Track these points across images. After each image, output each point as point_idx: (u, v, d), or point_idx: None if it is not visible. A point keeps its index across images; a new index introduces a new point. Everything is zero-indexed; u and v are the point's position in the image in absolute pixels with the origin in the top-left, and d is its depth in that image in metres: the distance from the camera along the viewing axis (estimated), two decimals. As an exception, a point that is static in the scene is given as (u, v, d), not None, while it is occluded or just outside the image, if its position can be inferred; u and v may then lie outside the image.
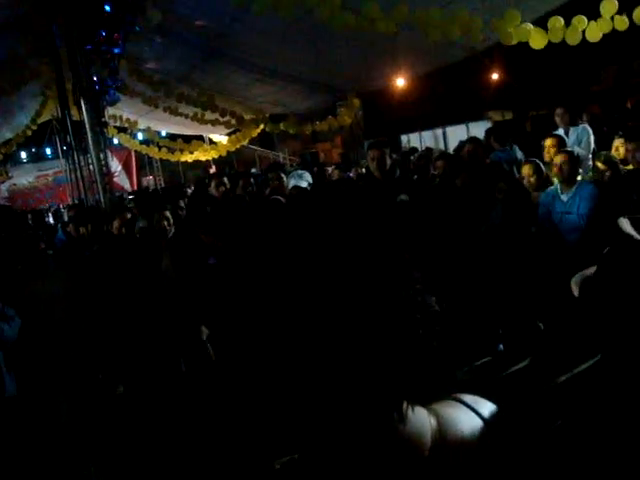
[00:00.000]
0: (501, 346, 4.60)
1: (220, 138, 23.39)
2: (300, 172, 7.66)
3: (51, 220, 17.30)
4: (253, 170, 22.89)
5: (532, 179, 6.57)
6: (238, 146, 22.89)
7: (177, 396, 5.49)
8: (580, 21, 8.88)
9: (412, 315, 1.06)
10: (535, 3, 10.00)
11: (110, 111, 16.70)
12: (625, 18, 8.58)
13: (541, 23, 9.25)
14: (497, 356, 4.23)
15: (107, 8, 9.18)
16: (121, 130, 22.51)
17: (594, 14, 8.86)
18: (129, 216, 6.55)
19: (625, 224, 1.53)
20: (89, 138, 9.55)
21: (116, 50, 10.92)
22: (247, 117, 18.52)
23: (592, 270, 1.65)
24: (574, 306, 1.64)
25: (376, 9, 8.90)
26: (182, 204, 7.39)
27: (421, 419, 1.11)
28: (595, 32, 8.81)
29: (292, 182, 7.48)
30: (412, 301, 1.07)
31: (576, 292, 1.64)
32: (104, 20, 9.58)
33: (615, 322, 1.51)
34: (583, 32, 8.88)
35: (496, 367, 3.73)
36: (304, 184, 7.34)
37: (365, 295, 1.03)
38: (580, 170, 6.31)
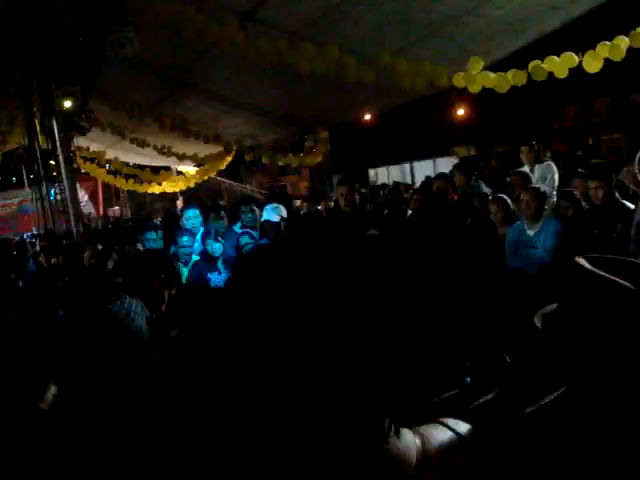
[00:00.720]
0: (468, 379, 4.66)
1: (188, 169, 23.36)
2: (274, 205, 7.68)
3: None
4: (221, 202, 22.83)
5: (499, 214, 6.72)
6: (206, 178, 22.87)
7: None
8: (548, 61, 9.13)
9: (397, 342, 1.11)
10: (494, 47, 10.27)
11: (78, 141, 16.63)
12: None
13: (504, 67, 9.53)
14: (464, 388, 4.29)
15: (80, 39, 9.21)
16: (88, 160, 22.38)
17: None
18: (100, 247, 6.53)
19: (583, 262, 1.62)
20: (61, 167, 9.51)
21: (86, 81, 10.93)
22: (215, 150, 18.58)
23: (554, 305, 1.73)
24: (537, 340, 1.71)
25: (353, 62, 9.15)
26: (159, 235, 7.39)
27: (407, 439, 1.17)
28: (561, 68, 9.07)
29: (265, 215, 7.49)
30: (393, 330, 1.13)
31: (539, 326, 1.71)
32: (76, 50, 9.60)
33: (576, 355, 1.58)
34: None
35: (463, 399, 3.78)
36: (277, 218, 7.36)
37: (345, 325, 1.08)
38: (545, 206, 6.46)
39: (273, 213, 7.40)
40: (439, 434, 1.25)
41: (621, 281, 1.52)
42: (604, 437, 1.51)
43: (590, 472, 1.48)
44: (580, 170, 9.31)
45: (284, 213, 7.54)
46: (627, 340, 1.51)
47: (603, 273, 1.55)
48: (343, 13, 9.15)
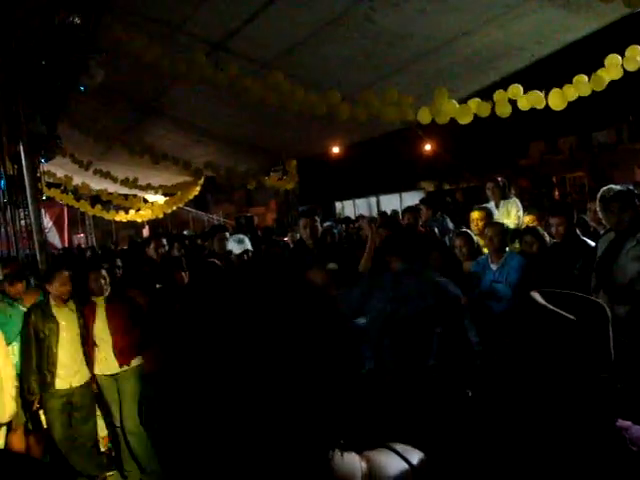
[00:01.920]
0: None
1: (155, 198, 23.28)
2: (240, 237, 7.71)
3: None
4: (185, 232, 22.80)
5: (464, 249, 6.82)
6: (174, 208, 22.83)
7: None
8: (513, 91, 9.31)
9: (344, 369, 1.13)
10: (460, 85, 10.46)
11: (44, 167, 16.50)
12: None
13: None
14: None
15: (48, 64, 9.18)
16: (53, 185, 22.20)
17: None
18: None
19: (537, 296, 1.70)
20: (27, 193, 9.42)
21: (54, 106, 10.88)
22: (182, 179, 18.59)
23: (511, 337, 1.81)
24: (497, 371, 1.78)
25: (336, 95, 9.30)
26: (119, 263, 7.36)
27: (352, 463, 1.19)
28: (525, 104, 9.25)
29: (230, 246, 7.51)
30: (345, 357, 1.15)
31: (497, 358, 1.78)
32: (44, 76, 9.57)
33: (534, 384, 1.64)
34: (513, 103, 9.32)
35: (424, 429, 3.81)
36: (239, 250, 7.38)
37: (297, 352, 1.10)
38: (508, 242, 6.56)
39: (236, 245, 7.41)
40: (386, 459, 1.28)
41: (564, 313, 1.60)
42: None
43: None
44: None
45: (248, 245, 7.56)
46: (571, 368, 1.60)
47: (550, 306, 1.63)
48: (312, 47, 9.27)
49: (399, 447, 1.33)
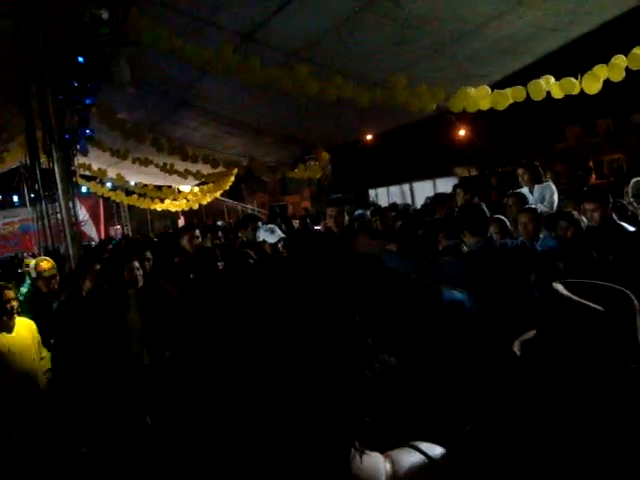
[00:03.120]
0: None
1: (188, 188, 23.43)
2: (271, 226, 7.69)
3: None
4: (219, 222, 22.90)
5: (497, 236, 6.72)
6: (210, 199, 22.93)
7: (142, 452, 5.42)
8: (545, 80, 9.16)
9: (366, 367, 1.10)
10: (493, 69, 10.32)
11: (79, 160, 16.69)
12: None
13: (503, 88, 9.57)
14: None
15: (80, 59, 9.25)
16: (89, 179, 22.46)
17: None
18: (97, 267, 6.50)
19: (559, 287, 1.63)
20: (59, 187, 9.51)
21: (88, 100, 10.98)
22: (217, 169, 18.64)
23: (533, 332, 1.74)
24: (516, 366, 1.72)
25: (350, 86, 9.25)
26: (149, 255, 7.37)
27: (376, 464, 1.16)
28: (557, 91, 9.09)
29: (262, 236, 7.50)
30: (366, 354, 1.12)
31: (518, 352, 1.72)
32: (77, 70, 9.65)
33: (554, 379, 1.58)
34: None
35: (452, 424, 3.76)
36: (274, 239, 7.37)
37: (320, 345, 1.08)
38: (542, 227, 6.45)
39: (271, 234, 7.40)
40: (410, 458, 1.25)
41: (590, 304, 1.54)
42: (587, 459, 1.51)
43: None
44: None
45: (281, 234, 7.55)
46: (598, 361, 1.53)
47: (576, 297, 1.56)
48: (343, 35, 9.19)
49: (424, 446, 1.30)
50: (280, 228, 8.95)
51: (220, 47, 8.57)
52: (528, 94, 9.32)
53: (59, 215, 10.20)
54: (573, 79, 8.97)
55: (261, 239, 7.48)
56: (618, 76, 8.63)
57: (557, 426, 1.59)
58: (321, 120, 13.68)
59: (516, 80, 9.78)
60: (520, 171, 8.89)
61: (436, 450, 1.29)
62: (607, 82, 8.92)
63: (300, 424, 1.05)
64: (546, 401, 1.62)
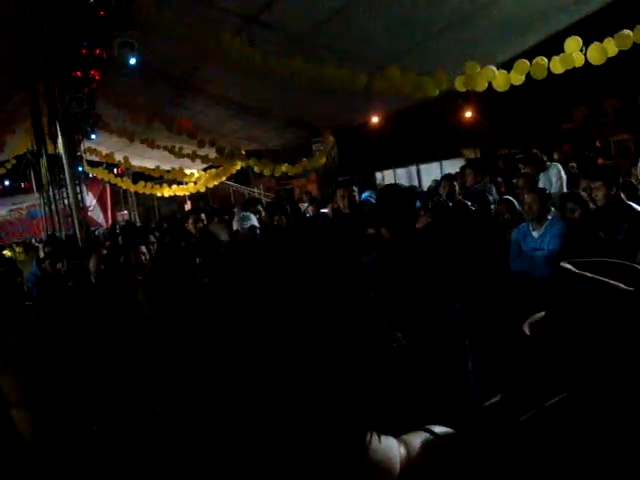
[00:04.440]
0: (476, 387, 4.63)
1: (195, 172, 23.38)
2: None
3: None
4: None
5: (506, 216, 6.72)
6: (217, 182, 22.88)
7: (151, 436, 5.45)
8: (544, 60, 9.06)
9: (379, 348, 1.10)
10: (499, 49, 10.25)
11: (85, 145, 16.69)
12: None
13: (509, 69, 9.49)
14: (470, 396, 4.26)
15: (84, 43, 9.25)
16: (96, 164, 22.43)
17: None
18: (104, 252, 6.52)
19: (569, 266, 1.61)
20: (66, 172, 9.52)
21: (93, 85, 10.97)
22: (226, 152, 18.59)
23: (542, 313, 1.72)
24: (527, 347, 1.70)
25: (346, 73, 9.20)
26: (152, 238, 7.38)
27: (391, 448, 1.16)
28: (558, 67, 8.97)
29: (235, 225, 7.46)
30: (379, 334, 1.12)
31: (528, 333, 1.70)
32: (82, 55, 9.64)
33: (570, 359, 1.57)
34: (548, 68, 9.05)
35: (468, 404, 3.77)
36: (247, 225, 7.34)
37: (332, 327, 1.08)
38: (552, 209, 6.43)
39: (242, 222, 7.35)
40: (424, 441, 1.25)
41: (612, 281, 1.51)
42: (605, 440, 1.50)
43: (591, 474, 1.48)
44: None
45: (254, 222, 7.49)
46: (622, 340, 1.50)
47: (592, 275, 1.54)
48: (347, 17, 9.14)
49: (438, 429, 1.30)
50: (286, 212, 8.93)
51: (220, 34, 8.53)
52: (529, 75, 9.21)
53: (66, 201, 10.21)
54: (578, 37, 8.79)
55: (234, 228, 7.44)
56: (626, 44, 8.49)
57: (577, 403, 1.58)
58: (327, 103, 13.64)
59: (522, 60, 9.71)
60: (521, 166, 8.90)
61: (450, 433, 1.29)
62: (613, 61, 8.82)
63: (317, 410, 1.05)
64: (565, 381, 1.61)
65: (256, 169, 18.58)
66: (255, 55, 8.67)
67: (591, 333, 1.52)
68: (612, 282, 1.50)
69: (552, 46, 9.31)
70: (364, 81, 9.37)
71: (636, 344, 1.49)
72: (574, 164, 12.68)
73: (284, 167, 18.39)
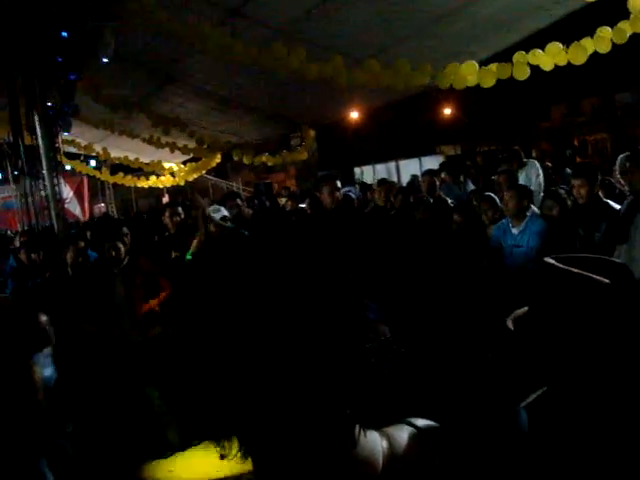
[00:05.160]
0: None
1: (173, 165, 23.27)
2: (215, 207, 7.63)
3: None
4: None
5: (488, 213, 6.74)
6: (196, 176, 22.78)
7: (130, 430, 5.42)
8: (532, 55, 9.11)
9: (362, 342, 1.10)
10: (479, 47, 10.28)
11: (63, 136, 16.53)
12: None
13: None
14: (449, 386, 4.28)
15: (64, 34, 9.13)
16: (73, 157, 22.24)
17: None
18: (82, 244, 6.47)
19: (552, 261, 1.62)
20: (43, 163, 9.43)
21: (72, 76, 10.85)
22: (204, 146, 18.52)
23: (526, 308, 1.73)
24: (511, 341, 1.71)
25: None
26: (126, 230, 7.34)
27: (373, 442, 1.16)
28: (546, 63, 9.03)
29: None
30: (362, 328, 1.11)
31: (511, 328, 1.70)
32: (60, 46, 9.53)
33: (553, 354, 1.57)
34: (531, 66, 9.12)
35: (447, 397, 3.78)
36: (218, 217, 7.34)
37: (314, 321, 1.07)
38: (531, 205, 6.47)
39: (214, 214, 7.36)
40: (406, 435, 1.24)
41: (595, 276, 1.52)
42: (587, 433, 1.51)
43: (574, 467, 1.49)
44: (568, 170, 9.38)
45: (225, 212, 7.50)
46: (606, 334, 1.51)
47: (578, 270, 1.55)
48: (329, 11, 9.13)
49: (420, 422, 1.29)
50: (265, 206, 8.96)
51: (203, 25, 8.48)
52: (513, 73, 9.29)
53: (43, 192, 10.12)
54: (560, 45, 8.87)
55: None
56: (604, 47, 8.58)
57: (560, 397, 1.59)
58: (307, 98, 13.62)
59: (502, 59, 9.74)
60: (504, 165, 8.94)
61: (431, 426, 1.29)
62: (592, 61, 8.89)
63: (298, 403, 1.04)
64: (548, 375, 1.62)
65: (235, 157, 18.51)
66: (236, 45, 8.62)
67: (575, 327, 1.53)
68: (597, 277, 1.52)
69: (533, 45, 9.36)
70: (345, 77, 9.36)
71: (616, 336, 1.51)
72: (549, 163, 12.77)
73: (264, 157, 18.38)
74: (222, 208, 7.62)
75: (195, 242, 6.52)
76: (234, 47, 8.62)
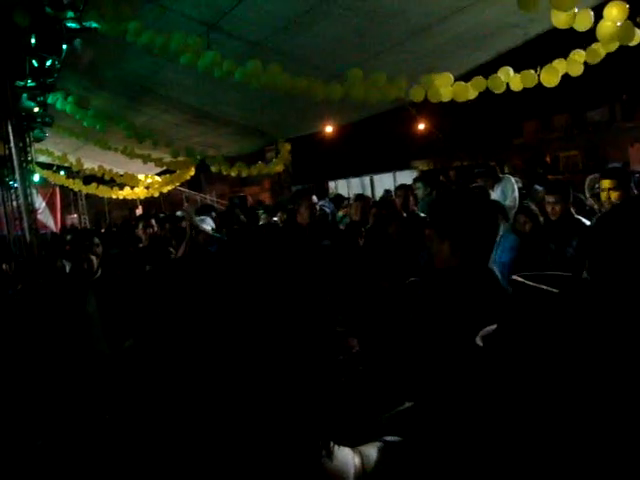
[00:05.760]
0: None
1: (148, 178, 23.17)
2: (202, 217, 7.69)
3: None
4: (179, 213, 22.63)
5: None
6: (171, 188, 22.70)
7: (101, 445, 5.36)
8: (504, 73, 9.22)
9: (333, 356, 1.11)
10: (453, 63, 10.36)
11: (36, 146, 16.40)
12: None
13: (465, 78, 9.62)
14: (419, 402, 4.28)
15: (33, 41, 9.08)
16: (46, 166, 22.06)
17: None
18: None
19: (517, 278, 1.65)
20: (16, 173, 9.37)
21: (46, 86, 10.80)
22: (180, 158, 18.48)
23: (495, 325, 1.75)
24: (479, 358, 1.72)
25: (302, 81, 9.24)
26: (97, 241, 7.33)
27: (345, 458, 1.17)
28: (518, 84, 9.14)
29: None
30: (333, 342, 1.13)
31: (480, 344, 1.72)
32: (34, 55, 9.48)
33: (518, 373, 1.59)
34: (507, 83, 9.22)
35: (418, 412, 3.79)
36: (208, 228, 7.39)
37: (285, 335, 1.08)
38: (503, 221, 6.53)
39: (204, 225, 7.41)
40: (379, 452, 1.26)
41: (544, 286, 1.55)
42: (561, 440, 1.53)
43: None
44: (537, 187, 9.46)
45: (212, 224, 7.56)
46: (557, 343, 1.54)
47: (532, 283, 1.57)
48: (305, 25, 9.16)
49: (394, 440, 1.31)
50: (239, 219, 8.96)
51: (177, 36, 8.49)
52: (488, 88, 9.38)
53: (14, 203, 10.05)
54: (532, 71, 9.01)
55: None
56: (576, 71, 8.70)
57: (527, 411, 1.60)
58: (282, 111, 13.65)
59: (477, 75, 9.83)
60: (480, 180, 9.02)
61: (405, 444, 1.31)
62: (564, 78, 9.00)
63: (268, 417, 1.05)
64: (514, 391, 1.63)
65: (213, 168, 18.49)
66: (212, 56, 8.63)
67: (544, 345, 1.55)
68: (545, 287, 1.55)
69: (506, 62, 9.47)
70: (321, 92, 9.40)
71: (566, 346, 1.53)
72: (519, 178, 12.93)
73: (240, 167, 18.39)
74: (208, 219, 7.66)
75: (181, 249, 6.57)
76: (210, 57, 8.62)
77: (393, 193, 11.08)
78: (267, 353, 1.06)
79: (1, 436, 5.43)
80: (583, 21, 7.22)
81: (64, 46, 8.81)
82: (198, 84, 12.19)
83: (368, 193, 23.45)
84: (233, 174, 18.96)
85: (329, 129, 16.93)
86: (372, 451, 1.26)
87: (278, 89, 9.18)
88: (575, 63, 8.69)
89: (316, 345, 1.10)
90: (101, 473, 4.97)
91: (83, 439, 5.53)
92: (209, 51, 8.69)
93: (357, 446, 1.26)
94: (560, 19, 7.06)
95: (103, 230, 17.65)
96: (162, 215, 14.94)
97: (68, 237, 12.77)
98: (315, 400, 1.08)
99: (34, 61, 9.58)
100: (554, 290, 1.56)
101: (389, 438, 1.32)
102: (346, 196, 17.19)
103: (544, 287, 1.58)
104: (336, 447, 1.15)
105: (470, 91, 9.39)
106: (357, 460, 1.21)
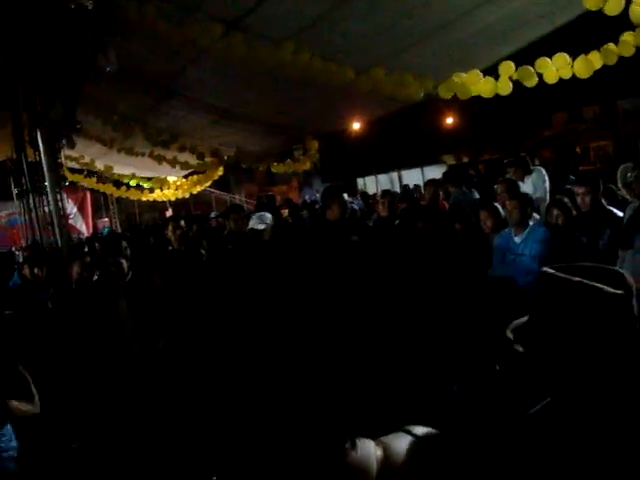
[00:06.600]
0: (456, 387, 4.64)
1: (176, 178, 23.34)
2: (260, 214, 7.73)
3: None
4: (212, 214, 22.75)
5: (489, 222, 6.74)
6: (200, 189, 22.83)
7: (135, 447, 5.39)
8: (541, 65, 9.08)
9: (363, 355, 1.11)
10: (482, 55, 10.27)
11: (66, 152, 16.59)
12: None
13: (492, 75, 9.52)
14: (452, 397, 4.26)
15: (65, 50, 9.17)
16: (76, 172, 22.32)
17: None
18: (88, 259, 6.49)
19: (552, 271, 1.62)
20: (47, 179, 9.47)
21: (73, 91, 10.89)
22: (208, 159, 18.57)
23: (525, 318, 1.73)
24: (512, 353, 1.70)
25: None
26: (125, 244, 7.41)
27: (367, 450, 1.17)
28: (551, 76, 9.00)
29: (251, 224, 7.54)
30: (362, 341, 1.13)
31: (511, 337, 1.70)
32: (62, 61, 9.57)
33: (552, 364, 1.57)
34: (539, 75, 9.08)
35: (450, 407, 3.77)
36: (262, 226, 7.40)
37: (316, 333, 1.08)
38: (533, 213, 6.47)
39: (258, 221, 7.45)
40: (402, 442, 1.26)
41: (599, 285, 1.51)
42: (590, 445, 1.50)
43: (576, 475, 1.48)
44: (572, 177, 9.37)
45: (269, 220, 7.59)
46: (611, 343, 1.50)
47: (580, 279, 1.54)
48: (330, 23, 9.13)
49: (418, 430, 1.30)
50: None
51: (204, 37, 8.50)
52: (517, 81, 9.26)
53: (46, 208, 10.16)
54: (567, 57, 8.82)
55: (250, 227, 7.52)
56: (612, 60, 8.54)
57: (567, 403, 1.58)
58: (310, 108, 13.63)
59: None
60: (510, 170, 8.95)
61: (429, 433, 1.30)
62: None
63: (295, 413, 1.04)
64: (549, 385, 1.61)
65: (243, 165, 18.58)
66: (240, 45, 8.62)
67: (577, 337, 1.52)
68: (599, 285, 1.51)
69: (534, 54, 9.35)
70: (351, 76, 9.36)
71: (624, 346, 1.50)
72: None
73: (269, 163, 18.46)
74: (266, 216, 7.72)
75: None
76: (238, 46, 8.62)
77: (412, 188, 11.08)
78: (303, 346, 1.06)
79: (38, 438, 5.49)
80: (614, 5, 7.08)
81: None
82: (224, 84, 12.22)
83: (396, 189, 23.41)
84: (261, 168, 18.99)
85: (356, 126, 16.91)
86: (396, 442, 1.27)
87: (309, 71, 9.14)
88: (610, 52, 8.53)
89: (346, 341, 1.09)
90: (134, 473, 5.00)
91: (116, 440, 5.58)
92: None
93: (381, 435, 1.26)
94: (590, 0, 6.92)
95: (129, 234, 17.82)
96: (189, 216, 15.05)
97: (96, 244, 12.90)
98: (341, 393, 1.08)
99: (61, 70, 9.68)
100: (586, 282, 1.53)
101: (413, 428, 1.32)
102: (372, 193, 17.18)
103: (575, 279, 1.56)
104: (359, 439, 1.16)
105: (500, 87, 9.27)
106: (379, 452, 1.22)
